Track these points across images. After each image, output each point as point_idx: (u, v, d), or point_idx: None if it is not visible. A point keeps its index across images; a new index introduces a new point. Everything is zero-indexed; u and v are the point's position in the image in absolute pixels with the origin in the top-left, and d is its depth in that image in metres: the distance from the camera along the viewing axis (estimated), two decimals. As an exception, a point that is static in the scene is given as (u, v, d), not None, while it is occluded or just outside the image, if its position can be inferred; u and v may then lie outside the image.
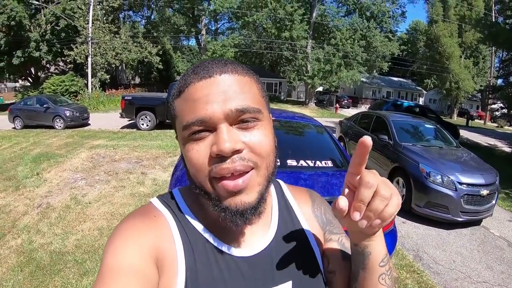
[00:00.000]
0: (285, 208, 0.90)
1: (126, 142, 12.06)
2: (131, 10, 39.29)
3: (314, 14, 32.54)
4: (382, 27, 34.75)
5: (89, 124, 17.08)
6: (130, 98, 15.86)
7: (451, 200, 5.99)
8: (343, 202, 0.64)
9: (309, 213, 0.94)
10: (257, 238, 0.81)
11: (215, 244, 0.76)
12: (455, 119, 37.98)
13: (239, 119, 0.67)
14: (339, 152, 4.08)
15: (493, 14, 29.20)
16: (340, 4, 35.30)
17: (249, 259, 0.77)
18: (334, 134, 6.56)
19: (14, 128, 16.35)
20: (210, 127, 0.66)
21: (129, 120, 16.66)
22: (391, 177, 7.19)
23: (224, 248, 0.76)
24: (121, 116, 15.99)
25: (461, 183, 6.06)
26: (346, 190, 0.66)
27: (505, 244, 5.84)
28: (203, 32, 36.72)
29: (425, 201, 6.22)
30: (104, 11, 29.35)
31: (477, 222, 6.54)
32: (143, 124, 15.42)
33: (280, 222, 0.86)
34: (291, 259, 0.82)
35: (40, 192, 6.86)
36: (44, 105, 16.23)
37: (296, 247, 0.84)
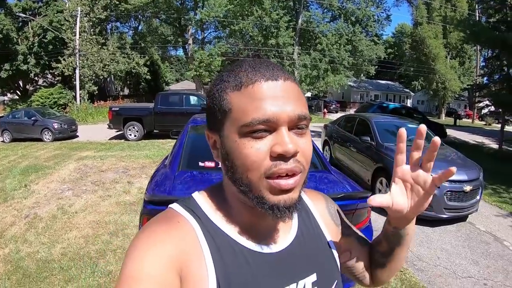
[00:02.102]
0: (303, 207, 0.95)
1: (113, 153, 12.08)
2: (118, 21, 39.21)
3: (299, 21, 32.73)
4: (368, 31, 35.07)
5: (78, 136, 17.09)
6: (117, 109, 15.92)
7: (434, 197, 5.99)
8: (380, 199, 0.79)
9: (323, 211, 1.00)
10: (282, 235, 0.84)
11: (243, 244, 0.77)
12: (443, 119, 38.30)
13: (296, 124, 0.70)
14: (314, 154, 4.21)
15: (477, 14, 29.57)
16: (326, 10, 35.56)
17: (276, 256, 0.80)
18: (317, 139, 6.65)
19: (3, 141, 16.38)
20: (271, 128, 0.68)
21: (117, 131, 16.66)
22: (374, 178, 7.30)
23: (252, 247, 0.78)
24: (109, 127, 15.98)
25: (443, 180, 6.14)
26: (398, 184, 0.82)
27: (491, 239, 5.91)
28: (190, 41, 36.69)
29: (408, 199, 6.28)
30: (91, 23, 29.31)
31: (463, 218, 6.61)
32: (130, 135, 15.42)
33: (300, 220, 0.90)
34: (313, 253, 0.87)
35: (28, 203, 6.90)
36: (32, 118, 16.23)
37: (316, 242, 0.91)
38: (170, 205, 0.82)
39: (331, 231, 0.97)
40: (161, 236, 0.71)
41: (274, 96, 0.68)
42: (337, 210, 1.05)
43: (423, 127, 0.76)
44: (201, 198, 0.83)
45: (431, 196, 0.79)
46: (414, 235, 0.90)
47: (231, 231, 0.77)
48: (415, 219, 0.88)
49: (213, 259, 0.72)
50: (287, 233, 0.85)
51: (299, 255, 0.83)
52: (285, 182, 0.68)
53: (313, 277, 0.83)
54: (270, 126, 0.67)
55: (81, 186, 7.94)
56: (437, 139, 0.74)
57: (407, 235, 0.91)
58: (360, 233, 1.06)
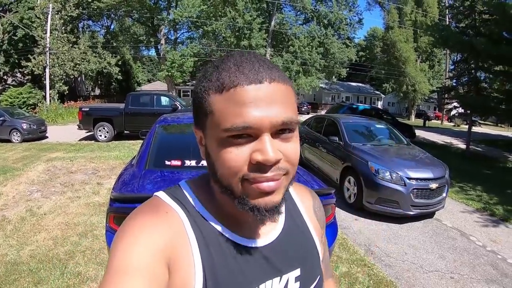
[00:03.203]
0: (290, 201, 0.95)
1: (83, 154, 11.91)
2: (90, 20, 38.68)
3: (272, 23, 32.98)
4: (340, 34, 35.61)
5: (47, 137, 16.69)
6: (88, 109, 15.65)
7: (400, 195, 6.21)
8: None
9: (310, 209, 0.99)
10: (268, 230, 0.84)
11: (230, 237, 0.77)
12: (413, 121, 39.04)
13: (281, 130, 0.68)
14: None
15: (447, 20, 30.21)
16: (299, 13, 35.89)
17: (262, 249, 0.80)
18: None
19: (-31, 143, 15.81)
20: (253, 133, 0.66)
21: (87, 132, 16.39)
22: (342, 177, 7.44)
23: (239, 240, 0.78)
24: (79, 128, 15.70)
25: (410, 178, 6.31)
26: None
27: (458, 234, 6.12)
28: (163, 41, 36.42)
29: (375, 197, 6.43)
30: (62, 21, 28.72)
31: (429, 215, 6.82)
32: (101, 136, 15.20)
33: (287, 215, 0.89)
34: (298, 249, 0.87)
35: (-5, 206, 6.73)
36: (1, 118, 15.69)
37: (302, 237, 0.91)
38: (156, 193, 0.81)
39: (315, 229, 0.97)
40: (149, 226, 0.70)
41: (256, 101, 0.65)
42: (323, 213, 1.06)
43: None
44: (188, 188, 0.83)
45: None
46: None
47: (218, 224, 0.78)
48: None
49: (200, 251, 0.72)
50: (273, 227, 0.85)
51: (284, 250, 0.84)
52: (266, 185, 0.67)
53: (297, 272, 0.84)
54: (252, 133, 0.65)
55: (50, 188, 7.80)
56: None
57: None
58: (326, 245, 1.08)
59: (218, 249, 0.75)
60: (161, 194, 0.80)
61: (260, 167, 0.66)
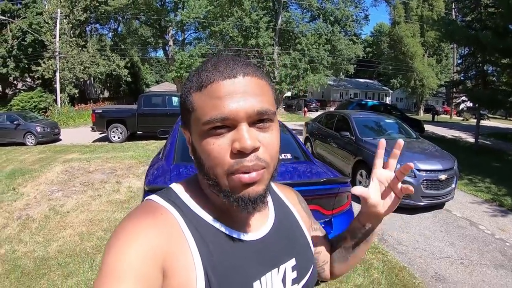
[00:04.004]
0: (277, 199, 0.99)
1: (99, 155, 12.10)
2: (98, 23, 38.83)
3: (279, 21, 32.89)
4: (347, 31, 35.39)
5: (61, 140, 16.97)
6: (101, 111, 15.85)
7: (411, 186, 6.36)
8: (365, 192, 0.90)
9: (295, 203, 1.05)
10: (261, 223, 0.87)
11: (226, 232, 0.79)
12: (422, 116, 38.74)
13: (257, 119, 0.72)
14: (298, 147, 4.58)
15: (453, 14, 30.08)
16: (305, 10, 35.73)
17: (258, 243, 0.83)
18: (299, 136, 6.94)
19: (-16, 146, 16.08)
20: (231, 124, 0.70)
21: (100, 134, 16.58)
22: (355, 171, 7.62)
23: (235, 235, 0.80)
24: (92, 130, 15.88)
25: (419, 170, 6.48)
26: (376, 184, 0.92)
27: (467, 223, 6.30)
28: (170, 43, 36.61)
29: (387, 189, 6.58)
30: (71, 25, 29.00)
31: (439, 206, 6.99)
32: (114, 137, 15.40)
33: (276, 210, 0.93)
34: (291, 239, 0.92)
35: (19, 205, 6.93)
36: (15, 122, 15.98)
37: (292, 228, 0.96)
38: (148, 197, 0.83)
39: (303, 221, 1.02)
40: (144, 229, 0.70)
41: (231, 94, 0.70)
42: (307, 206, 1.13)
43: (401, 141, 0.90)
44: (180, 189, 0.85)
45: (400, 200, 0.91)
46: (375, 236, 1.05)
47: (214, 221, 0.79)
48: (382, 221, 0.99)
49: (199, 249, 0.73)
50: (265, 220, 0.89)
51: (278, 241, 0.87)
52: (247, 176, 0.71)
53: (292, 262, 0.88)
54: (229, 123, 0.70)
55: (70, 187, 8.01)
56: (400, 141, 0.90)
57: (373, 234, 1.01)
58: (323, 230, 1.15)
59: (217, 246, 0.76)
60: (154, 197, 0.82)
61: (241, 155, 0.70)
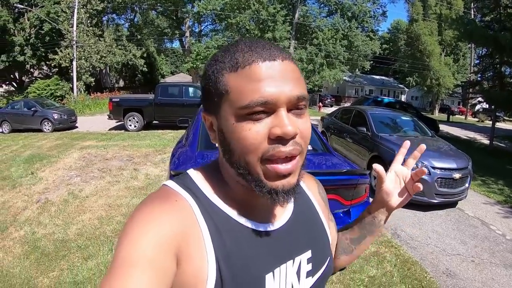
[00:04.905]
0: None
1: (115, 142, 12.24)
2: (115, 13, 39.00)
3: (296, 15, 32.81)
4: (364, 27, 35.32)
5: (77, 127, 17.22)
6: (118, 100, 16.05)
7: (425, 183, 6.33)
8: (380, 167, 0.94)
9: (315, 193, 1.03)
10: (279, 214, 0.84)
11: (242, 222, 0.77)
12: (437, 115, 38.49)
13: (296, 105, 0.69)
14: (318, 139, 4.67)
15: (472, 13, 29.78)
16: (322, 5, 35.60)
17: (274, 234, 0.81)
18: (317, 129, 7.03)
19: (2, 132, 16.43)
20: (270, 109, 0.67)
21: (117, 122, 16.80)
22: (369, 166, 7.62)
23: (251, 225, 0.78)
24: (109, 118, 16.10)
25: (434, 168, 6.50)
26: (392, 176, 0.97)
27: (479, 223, 6.32)
28: (187, 34, 36.74)
29: (401, 185, 6.59)
30: (88, 14, 29.20)
31: (452, 205, 7.01)
32: (131, 125, 15.55)
33: (295, 200, 0.89)
34: (308, 230, 0.90)
35: (37, 189, 7.09)
36: (32, 109, 16.34)
37: (311, 219, 0.94)
38: (164, 182, 0.81)
39: (323, 211, 1.00)
40: (158, 216, 0.69)
41: (272, 77, 0.67)
42: (326, 195, 1.11)
43: (423, 146, 0.95)
44: (197, 176, 0.82)
45: (411, 197, 0.95)
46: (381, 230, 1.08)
47: (230, 210, 0.77)
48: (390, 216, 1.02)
49: (212, 239, 0.71)
50: (284, 211, 0.86)
51: (295, 232, 0.86)
52: (283, 167, 0.69)
53: (308, 254, 0.86)
54: (268, 108, 0.67)
55: (88, 173, 8.14)
56: (423, 146, 0.96)
57: (380, 226, 1.03)
58: (335, 222, 1.14)
59: (232, 235, 0.74)
60: (169, 183, 0.80)
61: (280, 141, 0.67)
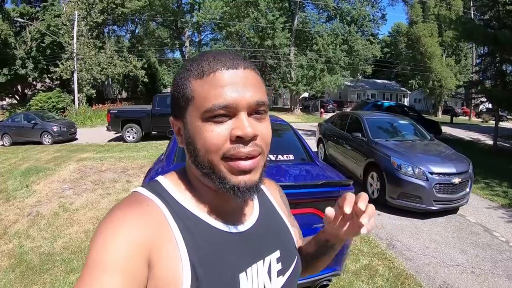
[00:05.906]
0: (261, 192, 1.00)
1: (112, 154, 12.24)
2: (115, 25, 39.37)
3: (295, 22, 32.89)
4: (363, 31, 35.33)
5: (77, 139, 17.26)
6: (116, 111, 16.10)
7: (423, 190, 6.21)
8: (331, 211, 0.85)
9: (278, 199, 1.07)
10: (246, 215, 0.88)
11: (213, 224, 0.80)
12: (440, 117, 38.31)
13: (256, 109, 0.75)
14: (302, 147, 4.49)
15: (472, 12, 29.71)
16: (321, 11, 35.74)
17: (244, 235, 0.84)
18: (313, 137, 6.87)
19: (3, 145, 16.45)
20: (232, 113, 0.72)
21: (115, 133, 16.84)
22: (366, 173, 7.49)
23: (221, 227, 0.81)
24: (108, 130, 16.15)
25: (432, 173, 6.31)
26: (335, 209, 0.87)
27: (481, 230, 6.07)
28: (187, 44, 36.96)
29: (398, 192, 6.44)
30: (88, 27, 29.43)
31: (453, 210, 6.78)
32: (129, 137, 15.60)
33: (260, 203, 0.95)
34: (275, 231, 0.94)
35: (30, 202, 7.09)
36: (32, 121, 16.40)
37: (276, 221, 0.98)
38: (135, 189, 0.82)
39: (285, 214, 1.04)
40: (129, 220, 0.70)
41: (234, 83, 0.73)
42: (287, 202, 1.15)
43: (364, 195, 0.86)
44: (166, 182, 0.84)
45: (357, 234, 0.88)
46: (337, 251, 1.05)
47: (200, 213, 0.80)
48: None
49: (185, 242, 0.73)
50: (250, 213, 0.90)
51: (263, 233, 0.89)
52: (244, 163, 0.73)
53: (277, 254, 0.90)
54: (230, 111, 0.72)
55: (81, 186, 8.12)
56: (365, 196, 0.85)
57: (333, 250, 1.03)
58: (298, 227, 1.15)
59: (204, 237, 0.77)
60: (140, 189, 0.81)
61: (240, 142, 0.72)
